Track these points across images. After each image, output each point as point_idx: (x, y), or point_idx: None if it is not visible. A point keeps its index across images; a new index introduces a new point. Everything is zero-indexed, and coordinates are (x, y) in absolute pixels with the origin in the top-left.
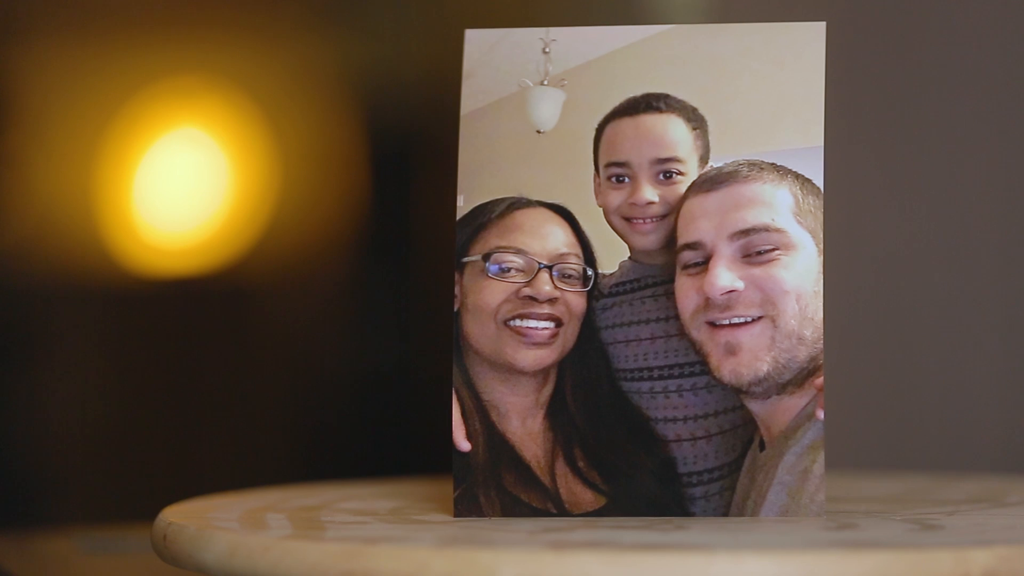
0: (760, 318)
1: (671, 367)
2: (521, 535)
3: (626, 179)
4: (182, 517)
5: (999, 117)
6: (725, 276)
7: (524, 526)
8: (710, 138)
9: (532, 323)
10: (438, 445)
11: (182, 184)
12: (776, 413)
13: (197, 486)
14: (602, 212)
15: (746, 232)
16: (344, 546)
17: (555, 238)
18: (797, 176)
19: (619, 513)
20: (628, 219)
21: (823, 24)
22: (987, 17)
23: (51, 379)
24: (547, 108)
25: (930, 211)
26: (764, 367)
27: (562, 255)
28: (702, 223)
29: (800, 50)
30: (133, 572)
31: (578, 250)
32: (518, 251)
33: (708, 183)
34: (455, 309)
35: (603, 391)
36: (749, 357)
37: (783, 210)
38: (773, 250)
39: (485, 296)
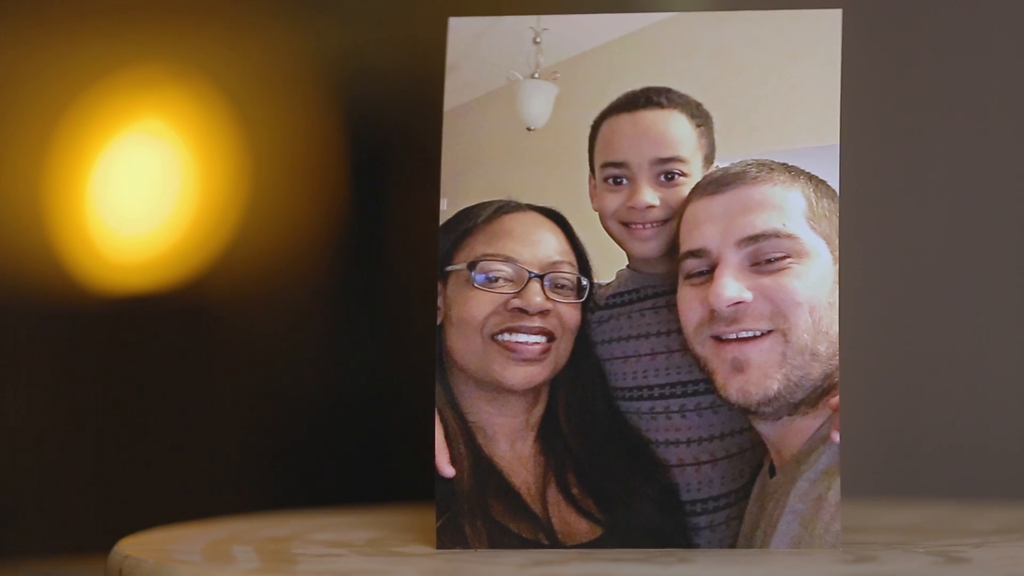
0: (770, 332)
1: (673, 385)
2: (510, 568)
3: (624, 181)
4: (140, 549)
5: None
6: (732, 286)
7: (513, 559)
8: (715, 136)
9: (522, 337)
10: (420, 471)
11: (141, 187)
12: (787, 435)
13: (156, 516)
14: (598, 217)
15: (755, 238)
16: None
17: (547, 245)
18: (810, 177)
19: (617, 544)
20: (626, 224)
21: (839, 11)
22: (1014, 4)
23: None
24: (538, 103)
25: (954, 215)
26: (774, 385)
27: (554, 263)
28: (707, 228)
29: (814, 40)
30: None
31: (572, 258)
32: (506, 259)
33: (713, 185)
34: (438, 322)
35: (599, 411)
36: (758, 374)
37: (795, 214)
38: (784, 258)
39: (471, 308)
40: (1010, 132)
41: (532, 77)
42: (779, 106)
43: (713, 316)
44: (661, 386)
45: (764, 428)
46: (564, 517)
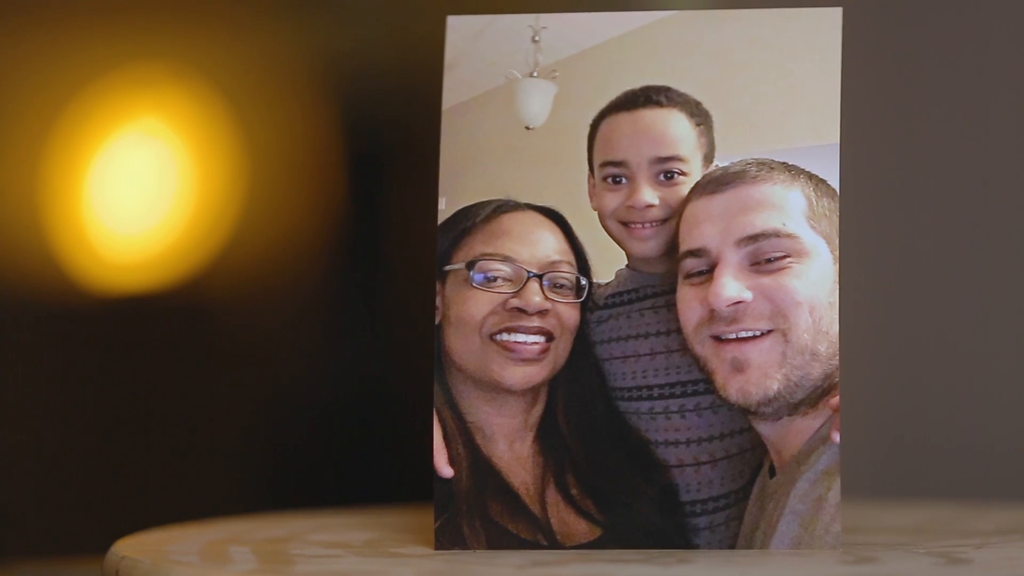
0: (770, 332)
1: (672, 385)
2: (508, 569)
3: (623, 180)
4: (136, 550)
5: None
6: (732, 286)
7: (512, 559)
8: (715, 135)
9: (521, 337)
10: (418, 471)
11: (139, 186)
12: (787, 436)
13: (153, 516)
14: (597, 216)
15: (754, 238)
16: None
17: (545, 244)
18: (810, 176)
19: (616, 545)
20: (625, 223)
21: (839, 10)
22: (1015, 4)
23: None
24: (537, 102)
25: (954, 214)
26: (774, 385)
27: (553, 263)
28: (706, 228)
29: (814, 38)
30: None
31: (571, 257)
32: (505, 259)
33: (713, 184)
34: (436, 322)
35: (598, 412)
36: (758, 374)
37: (795, 214)
38: (784, 257)
39: (469, 308)
40: (1010, 132)
41: (531, 76)
42: (779, 105)
43: (713, 316)
44: (661, 386)
45: (764, 428)
46: (563, 518)
